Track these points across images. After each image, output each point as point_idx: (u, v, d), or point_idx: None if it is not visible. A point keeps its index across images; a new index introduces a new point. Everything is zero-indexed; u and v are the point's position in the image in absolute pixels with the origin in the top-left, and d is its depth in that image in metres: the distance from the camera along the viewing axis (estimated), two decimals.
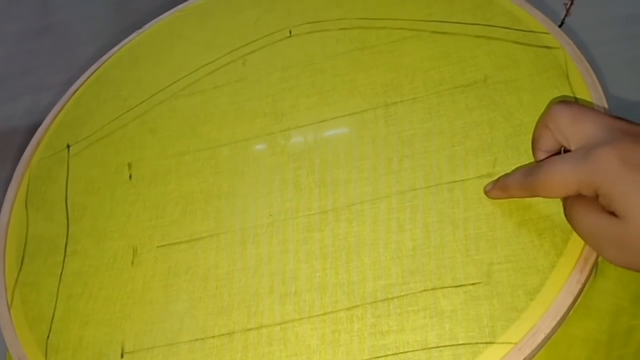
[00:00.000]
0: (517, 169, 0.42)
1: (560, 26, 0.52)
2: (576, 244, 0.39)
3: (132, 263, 0.47)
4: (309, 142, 0.50)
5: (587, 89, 0.45)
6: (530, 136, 0.44)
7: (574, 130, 0.36)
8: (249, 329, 0.41)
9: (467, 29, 0.53)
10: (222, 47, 0.61)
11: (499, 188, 0.41)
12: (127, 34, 0.69)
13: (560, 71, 0.47)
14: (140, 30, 0.68)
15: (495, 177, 0.43)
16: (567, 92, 0.46)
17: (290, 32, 0.60)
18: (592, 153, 0.33)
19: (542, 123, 0.39)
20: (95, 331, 0.45)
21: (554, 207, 0.40)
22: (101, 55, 0.67)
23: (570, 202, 0.37)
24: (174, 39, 0.66)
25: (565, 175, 0.35)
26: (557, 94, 0.46)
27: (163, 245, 0.47)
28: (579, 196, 0.36)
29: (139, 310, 0.45)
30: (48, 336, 0.45)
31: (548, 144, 0.39)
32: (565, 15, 0.82)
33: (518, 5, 0.53)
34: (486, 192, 0.42)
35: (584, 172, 0.34)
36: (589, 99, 0.45)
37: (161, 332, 0.43)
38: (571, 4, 0.89)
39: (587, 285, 0.38)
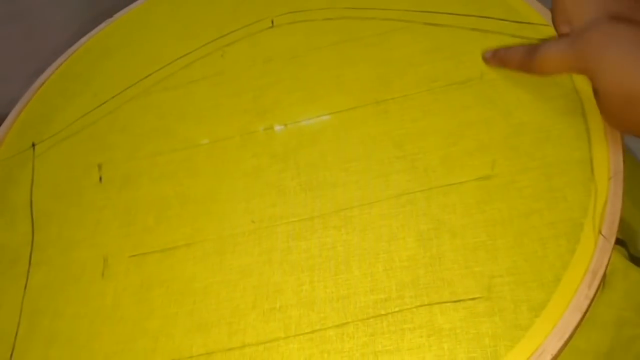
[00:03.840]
0: (518, 46, 0.44)
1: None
2: (583, 255, 0.36)
3: (102, 275, 0.44)
4: (293, 142, 0.47)
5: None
6: (530, 137, 0.42)
7: (575, 11, 0.39)
8: (230, 349, 0.38)
9: (461, 21, 0.50)
10: (199, 37, 0.57)
11: (499, 60, 0.45)
12: (100, 21, 0.64)
13: None
14: (111, 20, 0.63)
15: (494, 180, 0.40)
16: (568, 87, 0.43)
17: (272, 22, 0.56)
18: (581, 38, 0.38)
19: (554, 1, 0.42)
20: (61, 351, 0.41)
21: (557, 215, 0.38)
22: (71, 45, 0.63)
23: None
24: (147, 29, 0.62)
25: (557, 59, 0.39)
26: (558, 90, 0.43)
27: (135, 255, 0.44)
28: None
29: (110, 328, 0.41)
30: (11, 356, 0.42)
31: (562, 18, 0.41)
32: None
33: None
34: (485, 59, 0.46)
35: (572, 55, 0.38)
36: (592, 97, 0.42)
37: (133, 352, 0.39)
38: None
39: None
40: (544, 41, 0.41)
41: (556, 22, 0.42)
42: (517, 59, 0.43)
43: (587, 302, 0.34)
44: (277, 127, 0.48)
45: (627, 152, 0.40)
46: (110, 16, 0.65)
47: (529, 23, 0.47)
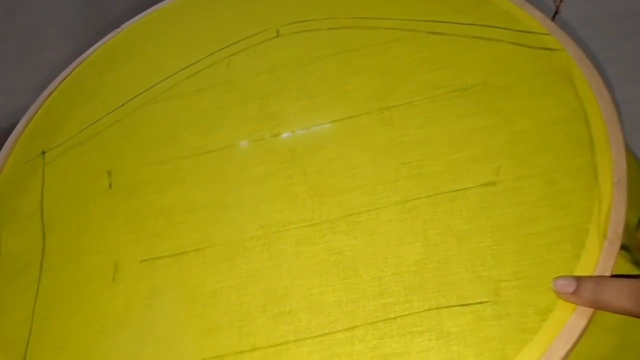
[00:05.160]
0: (617, 282, 0.34)
1: None
2: (589, 260, 0.36)
3: (113, 279, 0.44)
4: (300, 148, 0.48)
5: (593, 94, 0.43)
6: (532, 143, 0.42)
7: None
8: (241, 352, 0.38)
9: (463, 29, 0.51)
10: (204, 48, 0.58)
11: (587, 300, 0.34)
12: (100, 36, 0.65)
13: (563, 75, 0.45)
14: (118, 30, 0.64)
15: (499, 186, 0.41)
16: (570, 98, 0.44)
17: (277, 32, 0.57)
18: None
19: None
20: (72, 356, 0.41)
21: (562, 220, 0.38)
22: (73, 59, 0.63)
23: None
24: (152, 40, 0.62)
25: None
26: (559, 98, 0.44)
27: (145, 260, 0.44)
28: None
29: (120, 332, 0.41)
30: None
31: None
32: (555, 13, 0.80)
33: (516, 4, 0.51)
34: (562, 294, 0.35)
35: None
36: (595, 105, 0.43)
37: (144, 356, 0.40)
38: (561, 0, 0.87)
39: None
40: None
41: None
42: (624, 306, 0.33)
43: None
44: (284, 135, 0.49)
45: (630, 154, 0.41)
46: (112, 30, 0.66)
47: (529, 32, 0.48)
